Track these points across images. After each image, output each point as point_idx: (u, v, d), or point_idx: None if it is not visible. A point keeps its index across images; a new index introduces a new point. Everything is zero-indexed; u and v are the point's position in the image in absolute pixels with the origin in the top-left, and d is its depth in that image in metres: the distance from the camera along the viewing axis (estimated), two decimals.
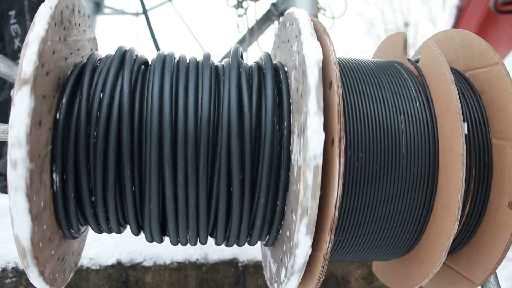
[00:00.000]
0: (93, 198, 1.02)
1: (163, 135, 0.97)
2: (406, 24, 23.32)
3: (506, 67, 1.14)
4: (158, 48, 3.65)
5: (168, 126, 0.97)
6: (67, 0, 1.03)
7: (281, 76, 1.07)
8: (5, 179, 3.66)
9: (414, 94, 1.16)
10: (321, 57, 0.90)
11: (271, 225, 1.06)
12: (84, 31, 1.19)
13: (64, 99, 0.99)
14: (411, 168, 1.10)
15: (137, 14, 5.58)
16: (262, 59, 1.13)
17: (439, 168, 1.10)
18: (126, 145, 0.97)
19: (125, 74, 1.01)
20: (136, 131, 0.99)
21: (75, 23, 1.11)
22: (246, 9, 4.34)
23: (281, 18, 1.21)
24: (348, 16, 4.71)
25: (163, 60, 1.07)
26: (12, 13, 3.35)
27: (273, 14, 4.33)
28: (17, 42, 3.32)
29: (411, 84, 1.19)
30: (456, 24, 9.40)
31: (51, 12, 0.93)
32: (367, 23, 24.40)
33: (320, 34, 1.00)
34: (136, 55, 1.11)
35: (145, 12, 3.76)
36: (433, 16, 22.82)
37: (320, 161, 0.84)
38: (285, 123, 1.00)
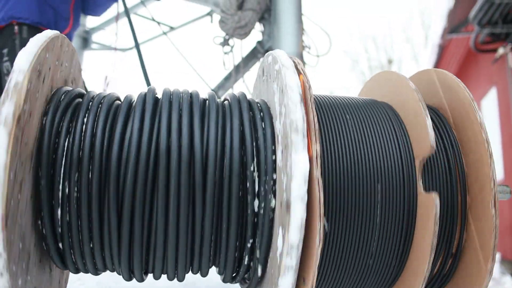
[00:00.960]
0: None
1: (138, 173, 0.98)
2: (390, 61, 23.76)
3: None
4: (148, 83, 3.69)
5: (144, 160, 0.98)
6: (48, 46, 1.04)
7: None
8: None
9: (393, 133, 1.19)
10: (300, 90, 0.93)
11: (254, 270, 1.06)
12: (62, 62, 1.20)
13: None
14: (387, 214, 1.12)
15: (115, 49, 5.62)
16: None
17: (416, 215, 1.12)
18: (113, 186, 0.97)
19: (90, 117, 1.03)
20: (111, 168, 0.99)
21: (56, 61, 1.12)
22: (232, 47, 4.42)
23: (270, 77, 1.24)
24: (332, 53, 4.78)
25: (143, 98, 1.08)
26: (5, 51, 3.40)
27: (259, 51, 4.41)
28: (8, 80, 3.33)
29: (391, 124, 1.21)
30: (438, 62, 9.62)
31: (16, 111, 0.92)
32: (352, 60, 24.83)
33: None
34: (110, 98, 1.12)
35: (137, 47, 3.81)
36: (415, 53, 23.30)
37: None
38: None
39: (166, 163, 0.98)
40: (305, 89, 1.00)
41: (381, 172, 1.12)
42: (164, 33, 5.17)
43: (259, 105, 1.13)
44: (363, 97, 1.41)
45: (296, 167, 0.87)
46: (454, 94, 1.25)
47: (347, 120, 1.19)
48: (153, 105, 1.06)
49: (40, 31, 3.42)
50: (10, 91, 0.88)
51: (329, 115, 1.19)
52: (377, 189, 1.10)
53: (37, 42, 1.00)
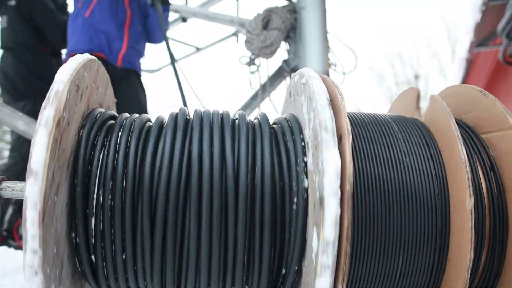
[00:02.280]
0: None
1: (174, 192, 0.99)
2: (417, 77, 23.59)
3: None
4: (185, 102, 3.77)
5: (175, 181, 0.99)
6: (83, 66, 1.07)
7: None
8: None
9: (424, 149, 1.18)
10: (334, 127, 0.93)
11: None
12: (97, 86, 1.24)
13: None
14: (421, 223, 1.10)
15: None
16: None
17: (451, 224, 1.10)
18: (147, 205, 0.99)
19: (133, 137, 1.05)
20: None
21: (87, 85, 1.15)
22: (258, 66, 4.45)
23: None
24: (358, 70, 4.78)
25: (201, 117, 1.10)
26: None
27: (285, 70, 4.43)
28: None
29: (422, 139, 1.20)
30: (466, 77, 9.50)
31: (54, 113, 0.96)
32: (378, 76, 24.75)
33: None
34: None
35: (174, 68, 3.90)
36: (442, 68, 23.11)
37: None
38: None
39: (198, 173, 1.00)
40: (334, 95, 1.00)
41: (412, 188, 1.11)
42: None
43: (286, 119, 1.14)
44: (392, 113, 1.40)
45: (328, 164, 0.86)
46: (483, 107, 1.24)
47: (377, 136, 1.18)
48: (184, 123, 1.08)
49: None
50: (51, 97, 0.92)
51: (358, 132, 1.19)
52: (408, 206, 1.09)
53: (76, 60, 1.05)
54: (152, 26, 4.26)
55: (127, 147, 1.04)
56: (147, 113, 3.99)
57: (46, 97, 0.93)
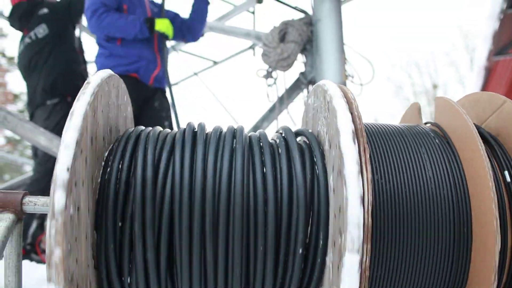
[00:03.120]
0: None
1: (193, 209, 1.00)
2: (435, 86, 23.38)
3: None
4: (177, 121, 3.86)
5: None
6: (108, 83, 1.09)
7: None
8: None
9: (439, 150, 1.17)
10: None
11: None
12: (119, 102, 1.26)
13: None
14: (442, 227, 1.09)
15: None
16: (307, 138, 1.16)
17: (473, 226, 1.09)
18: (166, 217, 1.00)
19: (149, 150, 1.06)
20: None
21: (111, 102, 1.17)
22: (275, 79, 4.47)
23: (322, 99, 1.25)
24: (375, 80, 4.76)
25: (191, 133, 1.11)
26: None
27: (302, 82, 4.44)
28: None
29: (436, 142, 1.20)
30: (485, 85, 9.39)
31: (79, 127, 0.98)
32: (395, 86, 24.58)
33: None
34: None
35: (169, 85, 3.98)
36: (461, 77, 22.88)
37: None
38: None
39: (227, 190, 1.00)
40: (351, 107, 1.00)
41: (432, 201, 1.10)
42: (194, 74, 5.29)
43: (308, 137, 1.14)
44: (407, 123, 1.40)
45: (351, 196, 0.87)
46: (504, 115, 1.23)
47: (395, 147, 1.18)
48: (203, 141, 1.08)
49: (124, 78, 3.70)
50: (74, 115, 0.94)
51: (375, 143, 1.18)
52: (428, 219, 1.08)
53: (99, 76, 1.08)
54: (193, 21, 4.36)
55: (158, 161, 1.05)
56: (172, 126, 4.17)
57: (70, 113, 0.94)
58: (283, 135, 1.14)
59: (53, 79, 4.16)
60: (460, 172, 1.14)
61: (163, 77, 4.24)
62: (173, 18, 4.34)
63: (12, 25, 4.58)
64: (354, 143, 0.92)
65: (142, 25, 3.90)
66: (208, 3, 4.37)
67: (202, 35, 4.58)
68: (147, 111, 3.99)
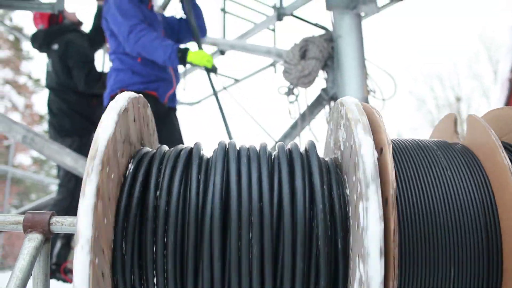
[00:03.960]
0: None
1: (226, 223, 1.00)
2: (458, 99, 23.13)
3: None
4: (229, 134, 3.85)
5: (236, 214, 1.00)
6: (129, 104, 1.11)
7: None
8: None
9: (468, 170, 1.15)
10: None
11: None
12: (143, 119, 1.27)
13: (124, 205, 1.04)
14: (471, 250, 1.07)
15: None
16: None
17: (502, 243, 1.07)
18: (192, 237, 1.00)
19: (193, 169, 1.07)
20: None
21: (135, 121, 1.19)
22: (297, 96, 4.47)
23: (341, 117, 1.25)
24: (397, 94, 4.72)
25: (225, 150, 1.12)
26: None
27: (324, 99, 4.43)
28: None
29: (464, 162, 1.18)
30: (510, 97, 9.25)
31: (104, 150, 0.99)
32: (418, 100, 24.39)
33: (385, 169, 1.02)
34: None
35: (217, 100, 3.99)
36: (485, 89, 22.61)
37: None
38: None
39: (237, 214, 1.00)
40: (375, 122, 0.99)
41: (459, 220, 1.08)
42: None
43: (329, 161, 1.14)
44: (434, 139, 1.38)
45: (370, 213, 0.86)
46: None
47: (420, 163, 1.16)
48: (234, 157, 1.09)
49: (145, 95, 3.77)
50: (100, 135, 0.96)
51: (400, 159, 1.17)
52: (454, 239, 1.06)
53: (124, 97, 1.09)
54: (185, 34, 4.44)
55: (185, 182, 1.05)
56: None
57: (96, 133, 0.96)
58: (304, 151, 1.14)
59: (60, 119, 4.31)
60: (490, 195, 1.12)
61: (176, 96, 4.29)
62: (179, 21, 4.42)
63: (34, 47, 4.73)
64: (377, 170, 0.91)
65: (172, 53, 3.73)
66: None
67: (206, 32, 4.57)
68: (161, 130, 3.99)
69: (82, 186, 0.89)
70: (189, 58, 3.78)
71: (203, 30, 4.43)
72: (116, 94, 3.78)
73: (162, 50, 3.72)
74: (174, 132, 4.14)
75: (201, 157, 1.12)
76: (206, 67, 3.93)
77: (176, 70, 4.23)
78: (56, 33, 4.53)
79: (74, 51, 4.43)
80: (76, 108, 4.39)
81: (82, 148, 4.15)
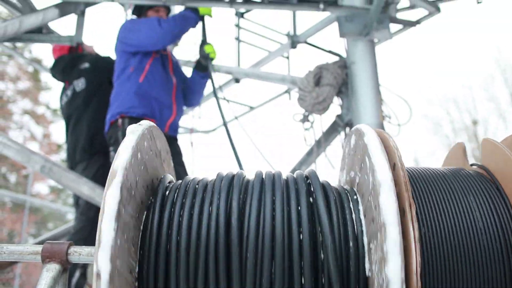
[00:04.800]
0: None
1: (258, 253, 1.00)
2: (474, 122, 22.94)
3: None
4: (240, 165, 3.86)
5: (253, 244, 1.00)
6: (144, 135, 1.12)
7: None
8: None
9: (486, 195, 1.14)
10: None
11: None
12: (158, 149, 1.28)
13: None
14: (492, 277, 1.05)
15: (191, 131, 5.95)
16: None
17: None
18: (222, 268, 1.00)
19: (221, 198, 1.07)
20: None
21: (151, 151, 1.20)
22: (312, 123, 4.48)
23: (352, 140, 1.25)
24: (413, 118, 4.70)
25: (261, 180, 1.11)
26: (112, 141, 3.83)
27: (339, 125, 4.43)
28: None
29: (481, 187, 1.16)
30: None
31: (122, 180, 0.98)
32: (434, 123, 24.23)
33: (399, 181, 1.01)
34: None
35: (226, 129, 4.01)
36: (502, 112, 22.40)
37: None
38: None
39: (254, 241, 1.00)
40: (394, 159, 0.99)
41: (483, 253, 1.06)
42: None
43: (346, 190, 1.13)
44: (448, 166, 1.37)
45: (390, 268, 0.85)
46: None
47: (440, 194, 1.15)
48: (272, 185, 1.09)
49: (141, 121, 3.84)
50: (117, 166, 0.96)
51: (418, 190, 1.16)
52: (475, 268, 1.04)
53: (140, 126, 1.12)
54: (191, 90, 4.60)
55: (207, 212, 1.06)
56: (187, 173, 4.23)
57: (112, 165, 0.97)
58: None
59: (91, 137, 4.31)
60: (510, 219, 1.10)
61: (178, 126, 4.35)
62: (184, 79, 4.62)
63: (54, 76, 4.80)
64: (395, 201, 0.90)
65: (191, 12, 4.23)
66: (207, 79, 4.57)
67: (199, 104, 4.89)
68: None
69: (99, 220, 0.90)
70: (201, 11, 4.30)
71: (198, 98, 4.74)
72: (116, 120, 3.89)
73: (187, 15, 4.21)
74: (177, 163, 4.17)
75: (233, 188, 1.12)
76: (211, 57, 4.34)
77: (178, 98, 4.29)
78: (80, 58, 4.64)
79: (109, 60, 4.62)
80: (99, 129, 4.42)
81: (108, 165, 4.18)
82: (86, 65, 4.56)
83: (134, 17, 4.48)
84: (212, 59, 4.30)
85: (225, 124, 3.98)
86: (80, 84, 4.49)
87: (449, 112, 23.64)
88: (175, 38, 4.17)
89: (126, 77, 4.05)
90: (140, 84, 4.00)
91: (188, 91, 4.60)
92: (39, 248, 1.09)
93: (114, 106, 4.00)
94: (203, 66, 4.44)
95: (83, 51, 4.80)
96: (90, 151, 4.27)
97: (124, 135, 3.97)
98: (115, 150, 3.86)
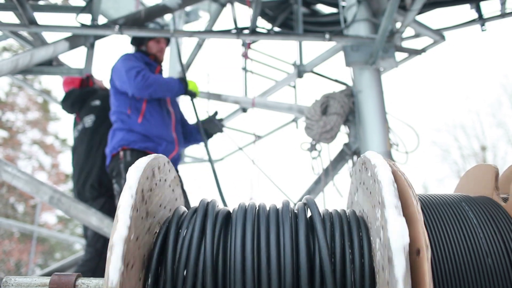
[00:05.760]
0: None
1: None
2: (483, 148, 22.86)
3: None
4: (221, 194, 3.87)
5: (251, 278, 0.99)
6: (147, 171, 1.12)
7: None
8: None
9: (498, 225, 1.12)
10: (407, 241, 0.87)
11: None
12: (165, 181, 1.29)
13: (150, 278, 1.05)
14: None
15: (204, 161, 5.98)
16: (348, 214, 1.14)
17: None
18: None
19: (207, 237, 1.07)
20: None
21: (157, 182, 1.20)
22: (319, 151, 4.48)
23: (359, 166, 1.25)
24: (421, 145, 4.70)
25: (244, 211, 1.12)
26: (114, 174, 3.85)
27: (347, 153, 4.43)
28: (117, 199, 3.81)
29: (498, 222, 1.15)
30: None
31: (133, 201, 0.98)
32: (442, 150, 24.15)
33: (406, 194, 1.00)
34: (218, 209, 1.16)
35: (210, 160, 4.04)
36: (510, 137, 22.31)
37: None
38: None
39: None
40: (409, 200, 0.98)
41: (491, 275, 1.05)
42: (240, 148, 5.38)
43: (358, 220, 1.13)
44: (459, 193, 1.35)
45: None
46: None
47: (450, 219, 1.14)
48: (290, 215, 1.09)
49: (143, 154, 3.93)
50: (125, 200, 0.96)
51: (429, 215, 1.15)
52: None
53: (146, 159, 1.10)
54: (191, 139, 4.73)
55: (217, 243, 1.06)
56: (189, 204, 4.19)
57: (120, 200, 0.97)
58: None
59: (100, 175, 4.35)
60: None
61: (179, 159, 4.39)
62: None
63: (64, 109, 4.85)
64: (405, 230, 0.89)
65: (180, 84, 4.21)
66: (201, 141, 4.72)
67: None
68: None
69: (108, 253, 0.90)
70: (190, 86, 4.31)
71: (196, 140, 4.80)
72: (118, 153, 3.93)
73: (172, 84, 4.15)
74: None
75: (240, 222, 1.12)
76: (195, 93, 4.38)
77: (178, 131, 4.33)
78: (91, 92, 4.69)
79: None
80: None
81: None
82: (97, 102, 4.61)
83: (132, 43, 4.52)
84: (195, 95, 4.39)
85: (210, 160, 4.04)
86: (89, 121, 4.54)
87: (457, 138, 23.59)
88: (151, 96, 4.10)
89: (126, 117, 4.06)
90: (139, 125, 4.03)
91: (187, 138, 4.70)
92: (46, 280, 1.09)
93: (115, 140, 4.02)
94: (208, 134, 4.63)
95: (93, 85, 4.86)
96: (100, 190, 4.31)
97: (126, 167, 4.00)
98: (118, 183, 3.87)
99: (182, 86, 4.20)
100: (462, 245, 1.09)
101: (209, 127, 4.63)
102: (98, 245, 4.08)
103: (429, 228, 1.11)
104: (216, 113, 4.72)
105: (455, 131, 23.93)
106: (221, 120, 4.72)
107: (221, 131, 4.63)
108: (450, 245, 1.08)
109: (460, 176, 1.56)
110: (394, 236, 0.87)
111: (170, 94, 4.17)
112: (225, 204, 3.80)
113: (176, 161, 4.27)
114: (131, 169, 1.06)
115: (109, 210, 4.12)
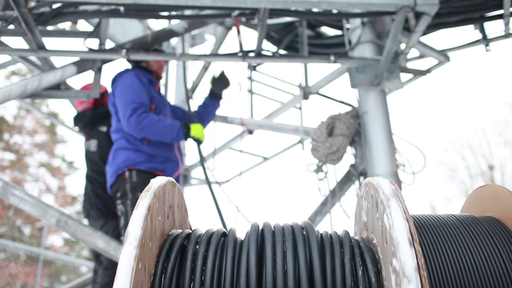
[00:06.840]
0: None
1: None
2: (491, 167, 22.72)
3: None
4: (221, 216, 3.86)
5: None
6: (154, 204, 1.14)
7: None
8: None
9: (499, 245, 1.11)
10: None
11: None
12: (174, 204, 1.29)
13: None
14: None
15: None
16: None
17: None
18: None
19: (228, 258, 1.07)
20: None
21: (165, 206, 1.21)
22: (326, 173, 4.47)
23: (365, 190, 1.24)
24: (428, 165, 4.69)
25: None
26: (118, 194, 3.86)
27: (353, 174, 4.42)
28: (122, 220, 3.81)
29: (494, 236, 1.14)
30: None
31: (141, 234, 0.98)
32: (449, 169, 24.01)
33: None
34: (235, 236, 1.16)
35: (208, 183, 4.04)
36: None
37: None
38: None
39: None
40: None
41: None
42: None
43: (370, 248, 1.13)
44: (465, 213, 1.34)
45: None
46: None
47: (449, 240, 1.13)
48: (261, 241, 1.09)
49: (149, 175, 3.94)
50: (135, 221, 0.97)
51: (428, 237, 1.14)
52: None
53: (157, 182, 1.10)
54: (205, 114, 4.78)
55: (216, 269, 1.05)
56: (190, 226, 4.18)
57: (128, 227, 0.98)
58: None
59: (104, 200, 4.41)
60: None
61: (181, 178, 4.45)
62: (183, 113, 4.74)
63: (75, 125, 4.90)
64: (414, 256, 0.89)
65: (179, 130, 4.03)
66: (218, 106, 4.75)
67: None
68: None
69: (116, 279, 0.90)
70: (192, 132, 4.11)
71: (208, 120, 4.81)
72: (123, 172, 3.93)
73: (169, 130, 4.00)
74: None
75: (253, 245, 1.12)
76: (199, 140, 4.21)
77: (181, 152, 4.37)
78: (102, 115, 4.73)
79: None
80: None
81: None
82: (104, 128, 4.68)
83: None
84: (201, 142, 4.28)
85: (208, 183, 4.04)
86: (93, 145, 4.62)
87: (465, 158, 23.48)
88: (146, 138, 4.04)
89: (131, 136, 4.07)
90: (146, 145, 4.04)
91: (201, 115, 4.72)
92: None
93: (120, 159, 4.02)
94: (216, 95, 4.69)
95: (107, 103, 4.92)
96: (106, 214, 4.36)
97: (132, 188, 4.00)
98: (123, 203, 3.87)
99: (182, 132, 4.05)
100: (460, 267, 1.08)
101: (217, 87, 4.69)
102: (115, 268, 4.09)
103: (425, 250, 1.11)
104: (222, 72, 4.74)
105: (462, 150, 23.84)
106: (226, 77, 4.77)
107: (229, 85, 4.71)
108: (448, 268, 1.08)
109: (468, 195, 1.55)
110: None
111: (167, 140, 4.05)
112: (224, 226, 3.80)
113: (178, 180, 4.30)
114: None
115: (107, 231, 4.20)
